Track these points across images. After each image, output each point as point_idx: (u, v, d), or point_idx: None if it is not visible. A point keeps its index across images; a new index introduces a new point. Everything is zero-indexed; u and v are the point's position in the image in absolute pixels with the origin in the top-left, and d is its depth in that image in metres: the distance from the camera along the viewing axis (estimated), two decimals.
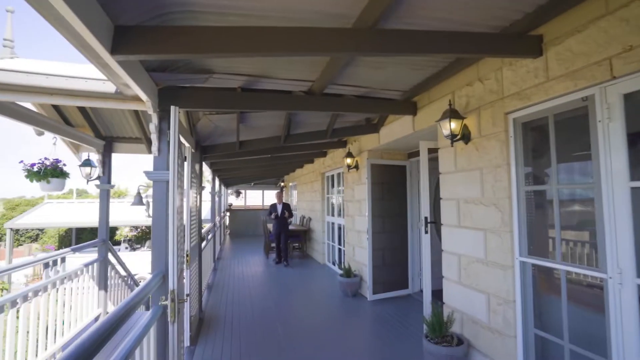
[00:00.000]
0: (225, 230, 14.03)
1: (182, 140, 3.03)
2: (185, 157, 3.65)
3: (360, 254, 5.49)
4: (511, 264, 2.50)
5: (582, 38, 1.97)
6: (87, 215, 14.25)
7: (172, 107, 2.02)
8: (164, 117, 2.34)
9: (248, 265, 7.99)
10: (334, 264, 7.45)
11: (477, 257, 2.84)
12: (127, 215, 13.98)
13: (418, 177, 5.51)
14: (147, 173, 2.29)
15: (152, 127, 2.27)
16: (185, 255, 3.47)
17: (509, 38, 2.20)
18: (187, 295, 2.30)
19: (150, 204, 2.27)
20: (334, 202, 7.64)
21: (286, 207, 8.03)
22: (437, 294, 3.55)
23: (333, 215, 7.65)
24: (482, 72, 2.84)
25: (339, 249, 7.15)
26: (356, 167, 5.58)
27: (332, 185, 7.73)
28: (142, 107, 2.32)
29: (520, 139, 2.52)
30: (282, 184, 14.38)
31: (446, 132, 2.94)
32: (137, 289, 1.74)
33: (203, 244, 5.27)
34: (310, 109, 3.21)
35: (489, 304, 2.70)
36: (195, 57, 1.75)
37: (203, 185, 4.75)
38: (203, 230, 5.52)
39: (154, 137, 2.29)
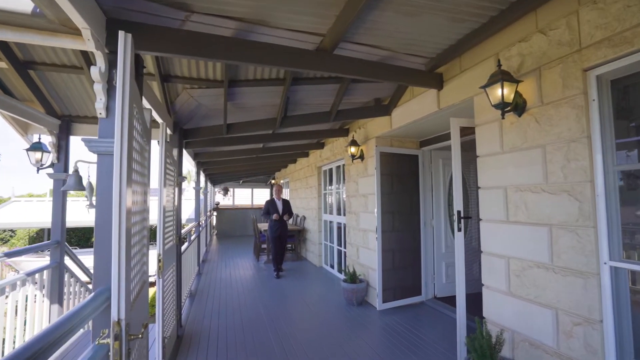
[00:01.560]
0: (212, 231, 13.14)
1: (148, 106, 2.28)
2: (158, 140, 2.91)
3: (365, 255, 4.81)
4: (596, 271, 1.86)
5: None
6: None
7: (121, 34, 1.29)
8: (114, 61, 1.60)
9: (237, 269, 7.20)
10: (332, 266, 6.75)
11: (538, 261, 2.19)
12: None
13: (431, 168, 4.89)
14: (87, 141, 1.54)
15: (96, 73, 1.52)
16: (157, 260, 2.72)
17: None
18: (143, 327, 1.56)
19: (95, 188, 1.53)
20: (333, 198, 6.94)
21: (286, 204, 6.64)
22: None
23: (331, 213, 6.95)
24: (543, 22, 2.19)
25: (338, 251, 6.46)
26: (361, 157, 4.90)
27: (330, 180, 7.03)
28: (82, 45, 1.57)
29: (609, 102, 1.89)
30: (273, 181, 13.59)
31: (495, 101, 2.28)
32: (53, 324, 1.00)
33: (184, 247, 4.49)
34: (319, 69, 2.52)
35: (558, 323, 2.05)
36: None
37: (184, 175, 3.97)
38: (184, 230, 4.74)
39: (97, 88, 1.54)
